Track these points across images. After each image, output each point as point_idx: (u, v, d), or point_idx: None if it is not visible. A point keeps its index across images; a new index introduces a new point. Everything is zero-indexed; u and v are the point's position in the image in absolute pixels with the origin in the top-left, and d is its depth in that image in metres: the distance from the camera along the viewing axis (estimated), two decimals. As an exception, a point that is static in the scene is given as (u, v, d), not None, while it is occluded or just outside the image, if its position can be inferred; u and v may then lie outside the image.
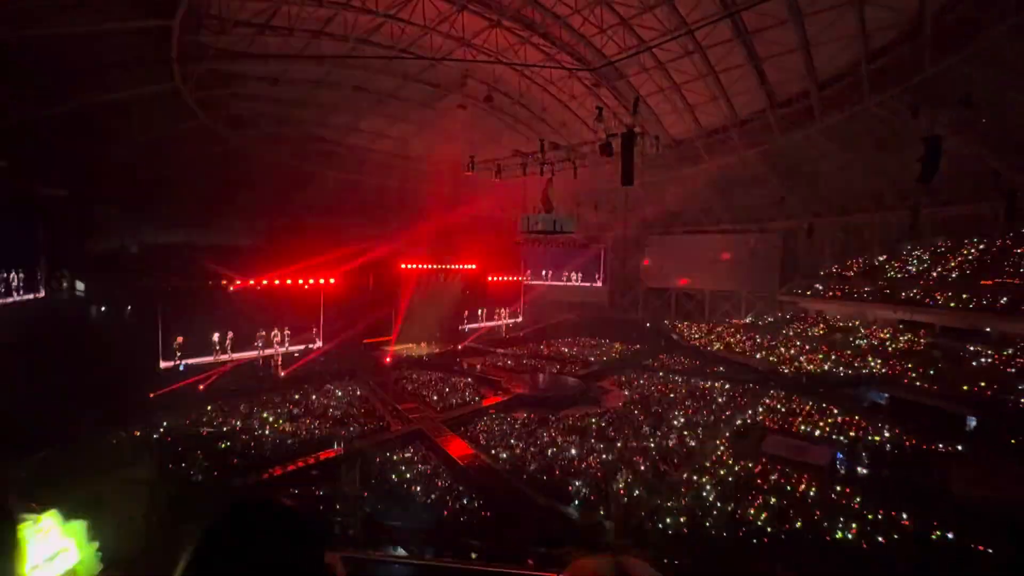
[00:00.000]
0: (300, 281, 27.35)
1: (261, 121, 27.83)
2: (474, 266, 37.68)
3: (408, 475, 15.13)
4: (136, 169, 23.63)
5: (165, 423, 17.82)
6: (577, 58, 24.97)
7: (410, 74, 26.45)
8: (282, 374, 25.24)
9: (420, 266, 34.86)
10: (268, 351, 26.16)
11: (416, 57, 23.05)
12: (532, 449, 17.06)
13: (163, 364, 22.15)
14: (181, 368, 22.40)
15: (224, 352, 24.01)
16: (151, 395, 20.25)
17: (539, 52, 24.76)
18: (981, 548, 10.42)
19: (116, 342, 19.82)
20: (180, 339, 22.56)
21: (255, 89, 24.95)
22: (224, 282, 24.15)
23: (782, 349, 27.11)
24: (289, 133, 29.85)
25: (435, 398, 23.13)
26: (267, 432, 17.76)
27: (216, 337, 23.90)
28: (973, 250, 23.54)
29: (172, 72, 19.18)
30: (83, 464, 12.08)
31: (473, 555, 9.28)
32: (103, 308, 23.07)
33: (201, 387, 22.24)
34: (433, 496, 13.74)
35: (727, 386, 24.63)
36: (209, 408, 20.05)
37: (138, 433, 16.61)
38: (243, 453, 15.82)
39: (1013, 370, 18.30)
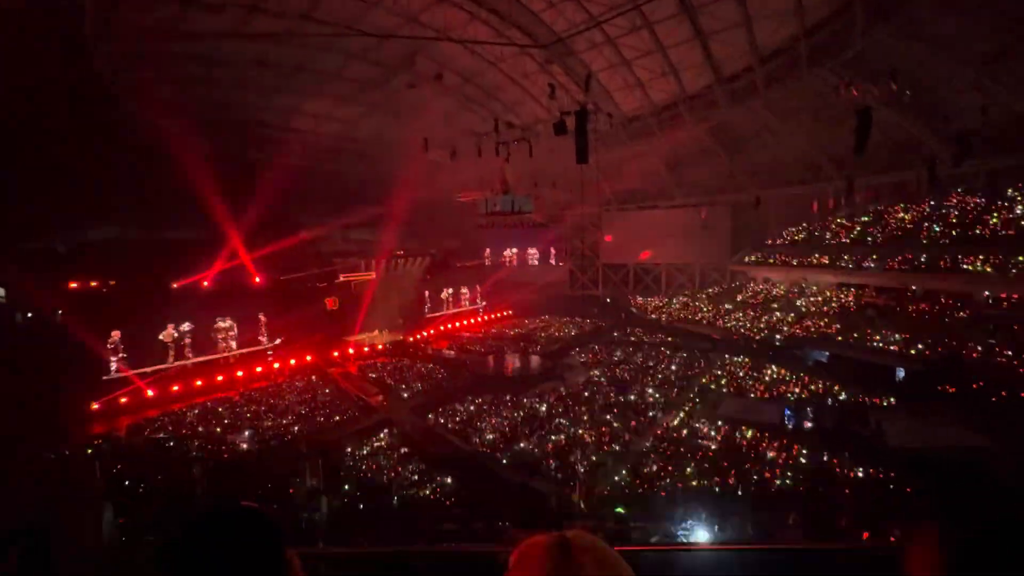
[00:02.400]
0: (252, 277, 26.22)
1: (196, 105, 25.96)
2: (434, 251, 37.21)
3: (377, 464, 15.05)
4: (61, 161, 21.61)
5: (111, 432, 16.86)
6: (527, 34, 24.62)
7: (354, 53, 25.30)
8: (239, 373, 24.26)
9: (378, 253, 34.08)
10: (221, 353, 25.06)
11: (360, 34, 22.00)
12: (501, 428, 17.30)
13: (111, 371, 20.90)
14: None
15: (171, 355, 22.86)
16: (94, 406, 19.09)
17: (488, 28, 24.23)
18: (910, 489, 11.50)
19: (48, 351, 18.36)
20: (116, 334, 21.23)
21: (187, 71, 23.22)
22: (168, 280, 22.79)
23: (734, 316, 28.49)
24: (228, 118, 28.05)
25: (402, 385, 22.96)
26: (227, 432, 17.13)
27: (163, 337, 22.68)
28: (900, 215, 25.33)
29: (88, 53, 17.54)
30: (25, 484, 11.25)
31: (445, 538, 9.40)
32: (30, 315, 21.28)
33: (151, 392, 21.13)
34: (404, 482, 13.75)
35: (685, 354, 25.72)
36: (161, 413, 19.13)
37: (82, 445, 15.65)
38: (202, 456, 15.21)
39: (937, 323, 20.05)
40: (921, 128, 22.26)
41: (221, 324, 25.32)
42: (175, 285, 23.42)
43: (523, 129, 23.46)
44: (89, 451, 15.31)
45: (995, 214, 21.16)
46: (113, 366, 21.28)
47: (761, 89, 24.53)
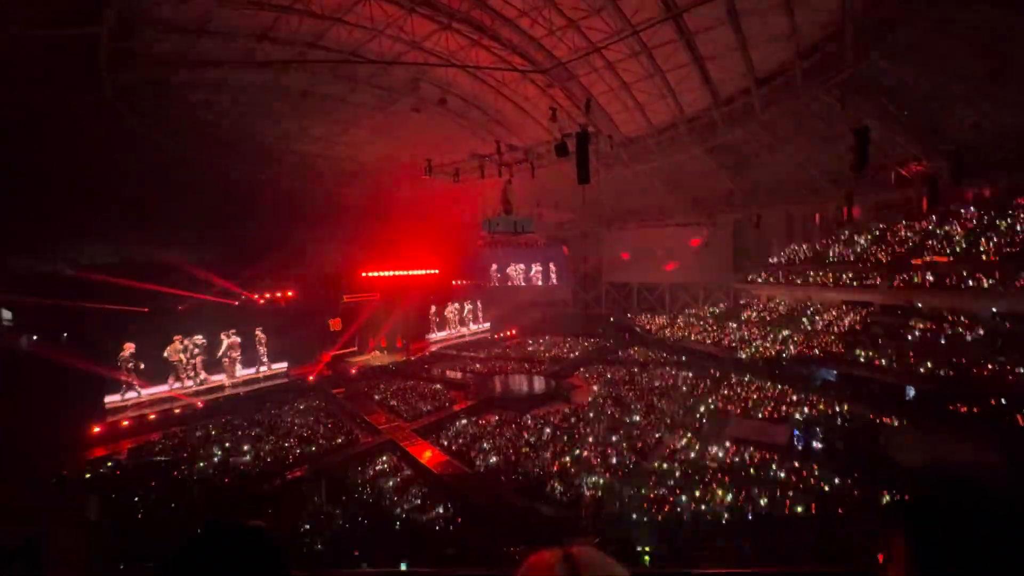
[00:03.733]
0: (256, 296, 26.30)
1: (205, 129, 26.58)
2: (437, 271, 37.34)
3: (380, 487, 14.81)
4: (70, 183, 22.03)
5: (113, 455, 16.71)
6: (528, 60, 25.22)
7: (360, 78, 25.94)
8: (241, 393, 24.12)
9: (382, 273, 34.25)
10: (225, 378, 24.86)
11: (365, 61, 22.61)
12: (505, 451, 17.06)
13: (109, 399, 20.77)
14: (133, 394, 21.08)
15: (178, 379, 22.75)
16: (95, 429, 18.97)
17: (490, 54, 24.85)
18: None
19: (52, 373, 18.36)
20: (130, 347, 21.28)
21: (196, 96, 23.82)
22: (173, 302, 22.89)
23: (738, 335, 28.29)
24: (235, 141, 28.65)
25: (404, 407, 22.74)
26: (228, 455, 16.94)
27: (168, 354, 22.54)
28: (902, 232, 25.35)
29: (102, 80, 18.05)
30: (21, 506, 11.13)
31: (449, 562, 9.20)
32: (35, 337, 21.37)
33: (152, 416, 21.01)
34: (407, 506, 13.51)
35: (690, 374, 25.45)
36: (162, 436, 18.96)
37: (82, 468, 15.50)
38: (203, 479, 15.02)
39: (944, 341, 19.86)
40: (919, 146, 22.50)
41: (231, 339, 25.20)
42: (181, 308, 23.47)
43: (525, 151, 23.80)
44: (88, 474, 15.16)
45: (997, 230, 21.15)
46: (132, 392, 21.18)
47: (758, 110, 24.93)
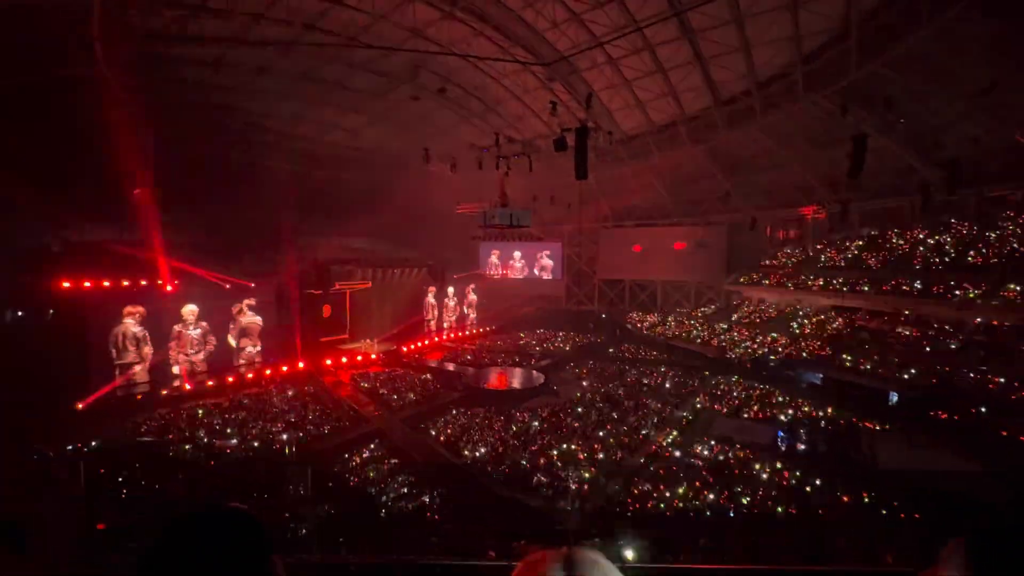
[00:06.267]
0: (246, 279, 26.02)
1: (199, 109, 26.09)
2: (431, 261, 37.21)
3: (366, 475, 14.83)
4: (58, 160, 21.57)
5: (97, 435, 16.53)
6: (530, 52, 25.02)
7: (359, 63, 25.59)
8: (230, 379, 23.89)
9: (375, 262, 34.01)
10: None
11: (365, 46, 22.30)
12: (493, 443, 17.13)
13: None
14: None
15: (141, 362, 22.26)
16: (79, 406, 18.76)
17: (492, 45, 24.61)
18: (903, 515, 11.44)
19: (36, 350, 18.09)
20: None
21: (191, 74, 23.37)
22: (160, 282, 22.55)
23: (728, 336, 28.52)
24: (230, 122, 28.18)
25: (394, 396, 22.72)
26: (215, 439, 16.85)
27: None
28: (894, 240, 25.61)
29: (94, 54, 17.65)
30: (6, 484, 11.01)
31: (432, 551, 9.24)
32: (20, 313, 21.02)
33: (139, 396, 20.83)
34: (393, 495, 13.54)
35: (679, 372, 25.67)
36: (148, 417, 18.80)
37: (68, 447, 15.34)
38: (188, 462, 14.94)
39: (929, 348, 20.16)
40: (914, 156, 22.68)
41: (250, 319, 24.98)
42: (171, 287, 23.09)
43: (524, 144, 23.72)
44: (72, 453, 15.01)
45: (986, 241, 21.44)
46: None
47: (758, 113, 24.98)
